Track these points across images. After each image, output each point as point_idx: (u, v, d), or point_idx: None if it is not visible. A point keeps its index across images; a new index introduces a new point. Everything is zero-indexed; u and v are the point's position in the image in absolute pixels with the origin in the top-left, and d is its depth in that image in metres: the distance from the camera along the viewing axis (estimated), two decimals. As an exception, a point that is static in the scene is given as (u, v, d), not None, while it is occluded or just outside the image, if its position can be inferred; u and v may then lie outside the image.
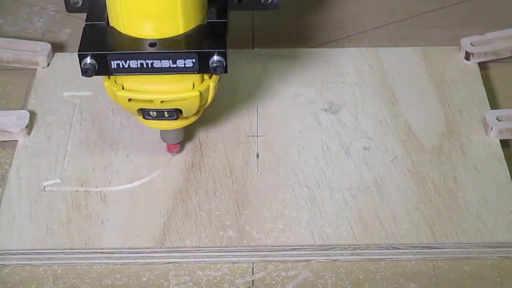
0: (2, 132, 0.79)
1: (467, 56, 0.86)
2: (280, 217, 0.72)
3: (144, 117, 0.72)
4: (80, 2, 0.74)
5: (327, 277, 0.70)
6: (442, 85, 0.84)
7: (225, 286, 0.69)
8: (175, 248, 0.70)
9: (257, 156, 0.78)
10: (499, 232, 0.71)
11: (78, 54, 0.67)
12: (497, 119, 0.79)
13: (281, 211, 0.73)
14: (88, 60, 0.67)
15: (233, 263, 0.71)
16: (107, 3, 0.68)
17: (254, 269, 0.71)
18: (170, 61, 0.67)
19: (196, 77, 0.69)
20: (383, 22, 0.94)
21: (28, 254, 0.71)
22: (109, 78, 0.69)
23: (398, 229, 0.71)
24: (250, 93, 0.83)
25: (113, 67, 0.67)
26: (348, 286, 0.69)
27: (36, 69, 0.86)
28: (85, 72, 0.67)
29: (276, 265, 0.71)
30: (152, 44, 0.67)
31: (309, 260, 0.71)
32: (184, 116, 0.72)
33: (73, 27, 0.94)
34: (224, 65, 0.67)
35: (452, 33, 0.92)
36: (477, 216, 0.72)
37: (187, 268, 0.71)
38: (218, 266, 0.71)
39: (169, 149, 0.77)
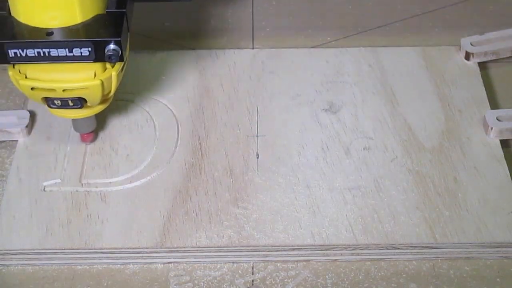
0: (2, 132, 0.79)
1: (467, 56, 0.86)
2: (280, 217, 0.72)
3: (49, 106, 0.73)
4: None
5: (327, 277, 0.70)
6: (442, 85, 0.84)
7: (225, 286, 0.69)
8: (175, 248, 0.70)
9: (257, 156, 0.78)
10: (499, 232, 0.71)
11: None
12: (497, 119, 0.79)
13: (281, 211, 0.73)
14: None
15: (233, 263, 0.71)
16: None
17: (254, 269, 0.71)
18: (67, 49, 0.68)
19: (97, 66, 0.70)
20: (383, 22, 0.94)
21: (28, 254, 0.71)
22: (13, 67, 0.71)
23: (398, 229, 0.71)
24: (250, 93, 0.83)
25: (10, 55, 0.68)
26: (348, 286, 0.69)
27: (36, 69, 0.86)
28: None
29: (276, 265, 0.71)
30: (49, 33, 0.68)
31: (309, 260, 0.71)
32: (89, 105, 0.73)
33: (73, 27, 0.94)
34: (120, 54, 0.68)
35: (452, 33, 0.92)
36: (477, 216, 0.72)
37: (187, 268, 0.71)
38: (218, 266, 0.71)
39: (83, 139, 0.78)
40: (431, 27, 0.94)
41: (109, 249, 0.70)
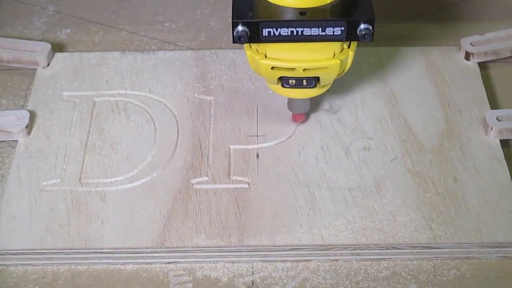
0: (2, 132, 0.79)
1: (467, 56, 0.86)
2: (280, 217, 0.72)
3: (283, 85, 0.74)
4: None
5: (327, 277, 0.70)
6: (442, 85, 0.84)
7: (225, 286, 0.69)
8: (175, 248, 0.70)
9: (257, 156, 0.78)
10: (499, 232, 0.71)
11: (232, 22, 0.69)
12: (497, 119, 0.79)
13: (281, 211, 0.73)
14: (240, 27, 0.69)
15: (233, 263, 0.71)
16: None
17: (254, 269, 0.71)
18: (320, 29, 0.69)
19: (336, 46, 0.71)
20: (383, 22, 0.94)
21: (28, 254, 0.71)
22: (250, 47, 0.73)
23: (398, 229, 0.71)
24: (250, 93, 0.83)
25: (264, 34, 0.70)
26: (348, 286, 0.69)
27: (36, 69, 0.86)
28: (238, 39, 0.70)
29: (276, 265, 0.71)
30: (302, 13, 0.69)
31: (309, 260, 0.71)
32: (321, 84, 0.74)
33: (73, 27, 0.95)
34: (372, 32, 0.69)
35: (452, 33, 0.92)
36: (477, 216, 0.72)
37: (187, 268, 0.71)
38: (218, 266, 0.71)
39: (295, 119, 0.79)
40: (431, 27, 0.94)
41: (109, 249, 0.70)
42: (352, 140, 0.79)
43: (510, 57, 0.88)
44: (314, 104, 0.82)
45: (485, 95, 0.83)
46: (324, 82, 0.74)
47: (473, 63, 0.86)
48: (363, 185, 0.75)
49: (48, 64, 0.87)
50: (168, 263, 0.71)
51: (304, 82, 0.73)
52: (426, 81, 0.84)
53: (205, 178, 0.76)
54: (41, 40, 0.92)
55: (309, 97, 0.77)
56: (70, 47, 0.92)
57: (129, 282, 0.70)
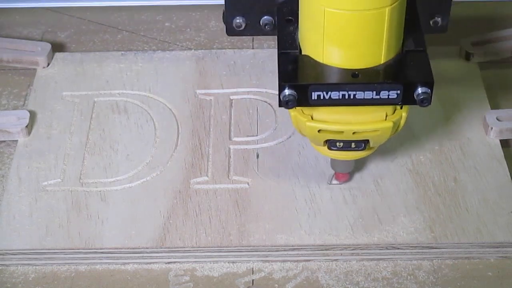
0: (2, 132, 0.79)
1: (467, 56, 0.86)
2: (280, 217, 0.72)
3: (329, 148, 0.69)
4: (243, 26, 0.73)
5: (327, 277, 0.70)
6: (442, 85, 0.84)
7: (225, 286, 0.69)
8: (175, 248, 0.70)
9: (257, 156, 0.78)
10: (499, 232, 0.71)
11: (279, 85, 0.64)
12: (497, 119, 0.79)
13: (281, 211, 0.73)
14: (287, 91, 0.64)
15: (233, 263, 0.71)
16: (302, 32, 0.66)
17: (254, 269, 0.71)
18: (374, 92, 0.64)
19: (389, 108, 0.66)
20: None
21: (28, 254, 0.71)
22: (295, 108, 0.67)
23: (398, 229, 0.71)
24: (250, 93, 0.83)
25: (313, 98, 0.64)
26: (348, 286, 0.69)
27: (36, 69, 0.87)
28: (286, 103, 0.64)
29: (276, 265, 0.71)
30: (355, 75, 0.64)
31: (309, 260, 0.71)
32: (371, 146, 0.69)
33: (73, 27, 0.95)
34: (431, 96, 0.64)
35: (452, 33, 0.92)
36: (477, 216, 0.72)
37: (187, 268, 0.71)
38: (218, 266, 0.71)
39: (338, 178, 0.74)
40: (431, 27, 0.94)
41: (109, 249, 0.70)
42: (352, 140, 0.79)
43: (510, 57, 0.88)
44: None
45: (485, 95, 0.83)
46: (374, 144, 0.69)
47: (473, 63, 0.86)
48: (363, 185, 0.75)
49: (48, 64, 0.87)
50: (168, 263, 0.71)
51: (353, 145, 0.68)
52: (426, 81, 0.84)
53: (205, 178, 0.76)
54: (41, 40, 0.92)
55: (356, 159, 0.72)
56: (70, 47, 0.92)
57: (129, 282, 0.70)
